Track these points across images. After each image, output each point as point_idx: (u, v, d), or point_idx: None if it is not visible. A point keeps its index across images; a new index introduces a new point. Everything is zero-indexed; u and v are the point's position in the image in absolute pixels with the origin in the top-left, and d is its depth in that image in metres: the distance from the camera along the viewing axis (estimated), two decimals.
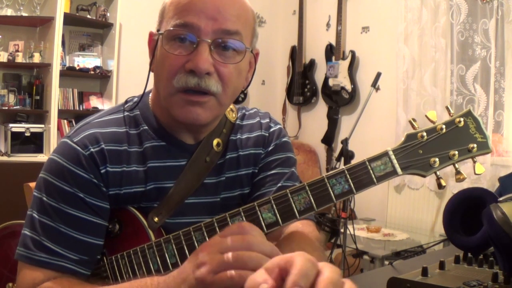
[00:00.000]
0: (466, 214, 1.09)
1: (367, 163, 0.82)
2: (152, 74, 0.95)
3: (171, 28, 0.86)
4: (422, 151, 0.83)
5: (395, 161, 0.82)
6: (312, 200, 0.82)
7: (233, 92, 0.92)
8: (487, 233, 0.88)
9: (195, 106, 0.87)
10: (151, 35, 0.96)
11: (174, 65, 0.86)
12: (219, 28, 0.86)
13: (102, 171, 0.89)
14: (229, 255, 0.69)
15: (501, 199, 0.93)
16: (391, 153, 0.83)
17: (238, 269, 0.68)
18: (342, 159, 2.68)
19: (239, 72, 0.91)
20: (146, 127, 0.95)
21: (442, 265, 0.89)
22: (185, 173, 0.95)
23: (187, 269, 0.73)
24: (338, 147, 3.90)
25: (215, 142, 0.98)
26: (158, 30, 0.91)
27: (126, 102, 1.00)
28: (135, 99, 1.00)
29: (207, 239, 0.83)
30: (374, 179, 0.82)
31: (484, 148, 0.84)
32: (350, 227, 2.54)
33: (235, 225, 0.76)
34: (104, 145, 0.90)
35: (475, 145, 0.83)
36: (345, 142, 2.68)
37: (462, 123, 0.84)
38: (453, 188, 2.36)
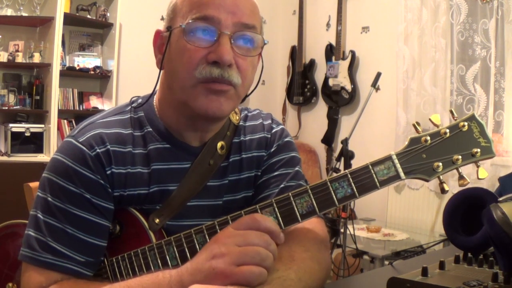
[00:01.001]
0: (466, 214, 1.09)
1: (370, 167, 0.81)
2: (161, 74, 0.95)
3: (191, 21, 0.86)
4: (425, 155, 0.82)
5: (398, 166, 0.81)
6: (315, 204, 0.82)
7: (248, 86, 0.94)
8: (487, 233, 0.88)
9: (219, 95, 0.88)
10: (158, 33, 0.95)
11: (195, 57, 0.86)
12: (239, 22, 0.87)
13: (108, 172, 0.89)
14: (250, 249, 0.72)
15: (501, 199, 0.93)
16: (394, 157, 0.82)
17: (256, 264, 0.70)
18: (342, 159, 2.68)
19: (253, 66, 0.93)
20: (151, 129, 0.95)
21: (442, 265, 0.89)
22: (189, 176, 0.95)
23: (202, 260, 0.74)
24: (338, 147, 3.90)
25: (219, 145, 0.98)
26: (169, 27, 0.91)
27: (131, 102, 0.99)
28: (140, 99, 1.00)
29: (208, 241, 0.82)
30: (377, 183, 0.81)
31: (488, 153, 0.83)
32: (350, 227, 2.54)
33: (248, 217, 0.77)
34: (109, 146, 0.90)
35: (478, 150, 0.82)
36: (345, 142, 2.68)
37: (466, 127, 0.83)
38: (453, 188, 2.35)
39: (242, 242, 0.73)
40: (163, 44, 0.92)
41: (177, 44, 0.89)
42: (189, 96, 0.88)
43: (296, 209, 0.82)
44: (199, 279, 0.73)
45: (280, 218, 0.82)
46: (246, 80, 0.91)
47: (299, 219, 0.82)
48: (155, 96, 0.99)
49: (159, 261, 0.86)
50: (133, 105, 0.98)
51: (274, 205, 0.83)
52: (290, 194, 0.83)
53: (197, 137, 0.97)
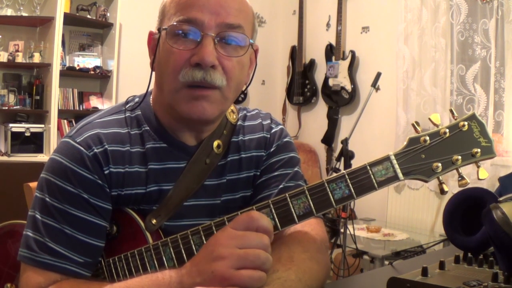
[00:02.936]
0: (466, 214, 1.09)
1: (368, 167, 0.81)
2: (153, 73, 0.95)
3: (175, 24, 0.86)
4: (424, 156, 0.82)
5: (396, 166, 0.81)
6: (312, 205, 0.81)
7: (236, 87, 0.92)
8: (487, 233, 0.88)
9: (201, 100, 0.87)
10: (151, 34, 0.96)
11: (179, 60, 0.86)
12: (223, 22, 0.86)
13: (106, 172, 0.89)
14: (251, 252, 0.72)
15: (501, 199, 0.92)
16: (393, 157, 0.81)
17: (256, 268, 0.70)
18: (342, 159, 2.68)
19: (242, 66, 0.92)
20: (148, 128, 0.95)
21: (442, 265, 0.89)
22: (185, 175, 0.94)
23: (202, 261, 0.74)
24: (338, 147, 3.90)
25: (215, 143, 0.98)
26: (159, 29, 0.91)
27: (127, 102, 1.00)
28: (136, 98, 1.00)
29: (205, 243, 0.82)
30: (375, 184, 0.80)
31: (488, 153, 0.82)
32: (350, 227, 2.54)
33: (244, 215, 0.77)
34: (107, 146, 0.90)
35: (479, 150, 0.81)
36: (345, 142, 2.68)
37: (466, 127, 0.82)
38: (453, 188, 2.35)
39: (243, 244, 0.73)
40: (155, 46, 0.92)
41: (164, 46, 0.89)
42: (173, 100, 0.89)
43: (293, 210, 0.81)
44: (199, 282, 0.73)
45: (276, 219, 0.82)
46: (232, 81, 0.90)
47: (296, 220, 0.82)
48: (151, 95, 0.99)
49: (155, 262, 0.85)
50: (129, 104, 0.98)
51: (271, 206, 0.82)
52: (287, 195, 0.82)
53: (192, 137, 0.97)
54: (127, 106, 0.98)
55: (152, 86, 0.99)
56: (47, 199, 0.86)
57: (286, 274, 0.78)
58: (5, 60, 3.41)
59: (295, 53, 4.42)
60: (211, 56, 0.85)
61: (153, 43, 0.94)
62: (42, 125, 3.51)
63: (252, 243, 0.73)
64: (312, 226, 0.95)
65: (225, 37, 0.87)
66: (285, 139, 1.06)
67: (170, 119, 0.94)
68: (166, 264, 0.84)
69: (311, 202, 0.81)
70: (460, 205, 1.10)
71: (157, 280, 0.77)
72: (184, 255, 0.83)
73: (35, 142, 3.47)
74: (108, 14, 3.79)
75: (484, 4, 3.07)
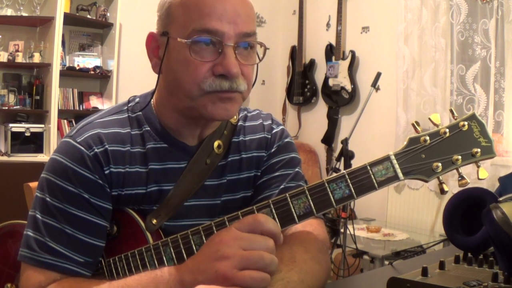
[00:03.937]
0: (466, 214, 1.09)
1: (368, 167, 0.81)
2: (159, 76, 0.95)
3: (196, 37, 0.85)
4: (424, 156, 0.82)
5: (397, 166, 0.81)
6: (312, 205, 0.81)
7: (250, 88, 0.95)
8: (487, 233, 0.88)
9: (226, 102, 0.88)
10: (151, 36, 0.94)
11: (200, 70, 0.86)
12: (241, 32, 0.87)
13: (106, 171, 0.89)
14: (255, 253, 0.72)
15: (501, 199, 0.93)
16: (393, 157, 0.81)
17: (260, 269, 0.70)
18: (342, 159, 2.68)
19: (253, 69, 0.94)
20: (148, 128, 0.95)
21: (442, 265, 0.89)
22: (185, 175, 0.95)
23: (205, 260, 0.74)
24: (338, 147, 3.90)
25: (215, 144, 0.98)
26: (165, 32, 0.89)
27: (129, 101, 1.00)
28: (137, 99, 1.00)
29: (205, 242, 0.82)
30: (375, 184, 0.80)
31: (488, 152, 0.82)
32: (350, 227, 2.54)
33: (250, 217, 0.77)
34: (108, 146, 0.90)
35: (479, 150, 0.81)
36: (345, 142, 2.68)
37: (466, 126, 0.82)
38: (453, 188, 2.34)
39: (248, 245, 0.73)
40: (158, 48, 0.92)
41: (179, 54, 0.87)
42: (196, 103, 0.88)
43: (293, 210, 0.82)
44: (200, 280, 0.73)
45: (277, 219, 0.82)
46: (250, 85, 0.92)
47: (296, 220, 0.82)
48: (153, 96, 0.99)
49: (156, 262, 0.85)
50: (130, 104, 0.98)
51: (271, 206, 0.82)
52: (287, 195, 0.82)
53: (195, 135, 0.97)
54: (128, 106, 0.98)
55: (152, 87, 0.99)
56: (48, 199, 0.87)
57: (288, 274, 0.78)
58: (5, 60, 3.41)
59: (295, 53, 4.43)
60: (236, 67, 0.86)
61: (155, 44, 0.93)
62: (42, 125, 3.52)
63: (257, 244, 0.73)
64: (314, 227, 0.95)
65: (243, 46, 0.89)
66: (286, 140, 1.06)
67: (177, 119, 0.94)
68: (166, 264, 0.84)
69: (311, 202, 0.81)
70: (460, 205, 1.10)
71: (155, 277, 0.77)
72: (185, 255, 0.83)
73: (35, 142, 3.47)
74: (108, 14, 3.79)
75: (484, 4, 3.08)
